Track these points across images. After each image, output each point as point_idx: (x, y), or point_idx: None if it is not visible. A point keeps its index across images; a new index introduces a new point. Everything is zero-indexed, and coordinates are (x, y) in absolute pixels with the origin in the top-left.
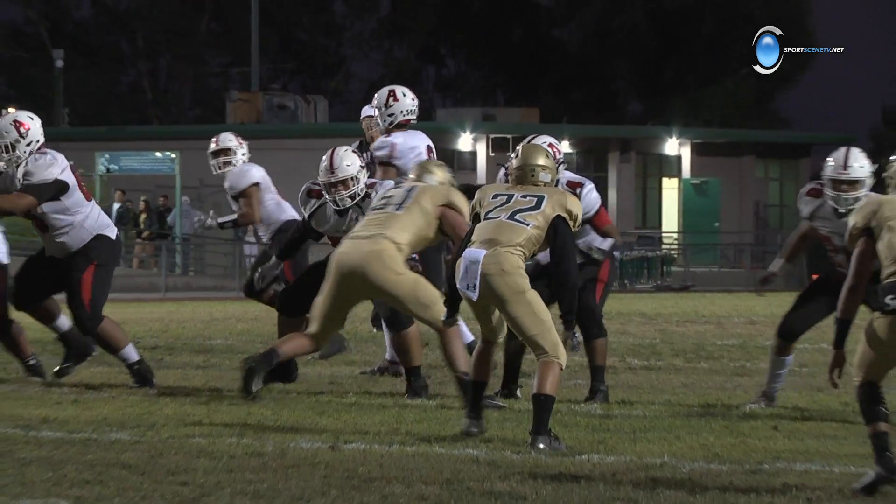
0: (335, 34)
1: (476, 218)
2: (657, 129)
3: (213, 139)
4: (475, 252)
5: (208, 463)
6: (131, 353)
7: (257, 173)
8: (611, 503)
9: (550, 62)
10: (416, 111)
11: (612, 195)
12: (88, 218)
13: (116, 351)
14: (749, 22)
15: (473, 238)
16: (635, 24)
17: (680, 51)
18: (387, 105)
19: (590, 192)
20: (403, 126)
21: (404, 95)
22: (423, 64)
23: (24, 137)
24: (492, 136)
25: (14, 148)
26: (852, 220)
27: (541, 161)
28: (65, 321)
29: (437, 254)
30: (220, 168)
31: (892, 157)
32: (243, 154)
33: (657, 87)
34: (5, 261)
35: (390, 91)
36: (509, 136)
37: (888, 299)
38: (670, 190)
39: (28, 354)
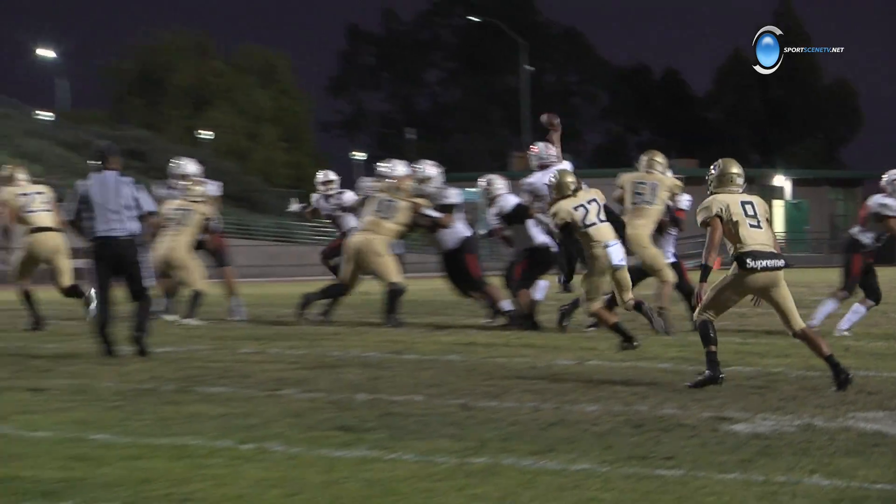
0: (574, 115)
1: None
2: (769, 170)
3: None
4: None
5: None
6: None
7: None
8: None
9: (702, 130)
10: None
11: None
12: None
13: None
14: (817, 102)
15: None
16: (755, 108)
17: (781, 122)
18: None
19: None
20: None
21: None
22: (628, 133)
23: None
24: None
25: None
26: None
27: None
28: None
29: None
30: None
31: None
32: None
33: (768, 145)
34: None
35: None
36: (682, 175)
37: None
38: (778, 207)
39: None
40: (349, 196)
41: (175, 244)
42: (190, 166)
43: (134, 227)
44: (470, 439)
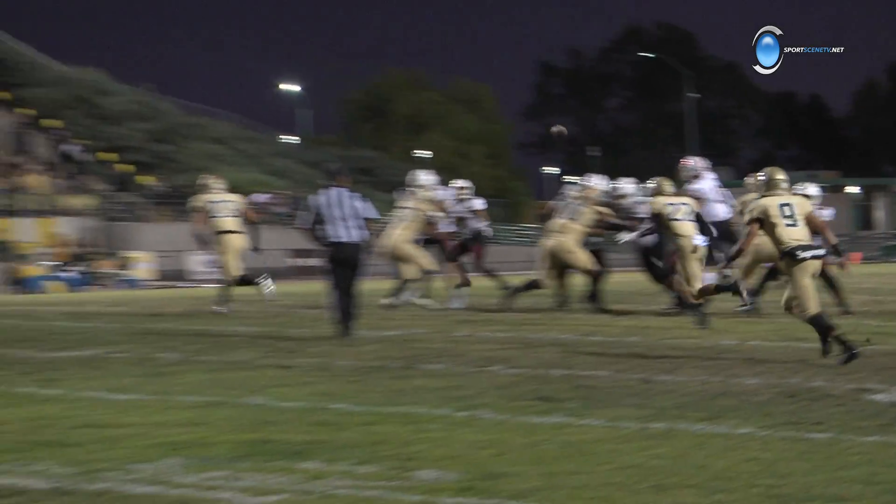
0: (731, 134)
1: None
2: None
3: None
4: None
5: None
6: None
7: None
8: None
9: (842, 146)
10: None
11: (881, 213)
12: None
13: None
14: None
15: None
16: (889, 127)
17: None
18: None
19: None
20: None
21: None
22: (778, 149)
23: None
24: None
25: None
26: None
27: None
28: None
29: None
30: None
31: None
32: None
33: None
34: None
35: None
36: (826, 184)
37: None
38: None
39: None
40: (478, 202)
41: (399, 238)
42: (428, 177)
43: (360, 233)
44: (649, 408)
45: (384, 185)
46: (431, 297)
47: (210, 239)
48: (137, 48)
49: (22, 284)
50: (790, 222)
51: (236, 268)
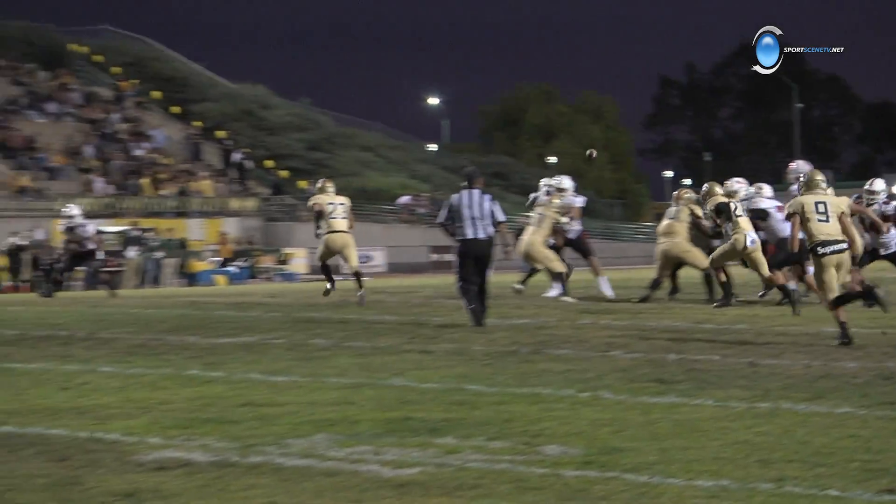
0: (834, 140)
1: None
2: None
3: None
4: None
5: None
6: None
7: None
8: None
9: None
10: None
11: None
12: None
13: None
14: None
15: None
16: None
17: None
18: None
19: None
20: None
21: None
22: (876, 153)
23: None
24: None
25: None
26: None
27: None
28: None
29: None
30: None
31: None
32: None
33: None
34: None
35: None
36: None
37: None
38: None
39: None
40: (578, 200)
41: (532, 240)
42: (566, 182)
43: (491, 231)
44: (756, 389)
45: (516, 188)
46: (569, 294)
47: (321, 235)
48: (296, 66)
49: (192, 278)
50: (822, 218)
51: (354, 258)
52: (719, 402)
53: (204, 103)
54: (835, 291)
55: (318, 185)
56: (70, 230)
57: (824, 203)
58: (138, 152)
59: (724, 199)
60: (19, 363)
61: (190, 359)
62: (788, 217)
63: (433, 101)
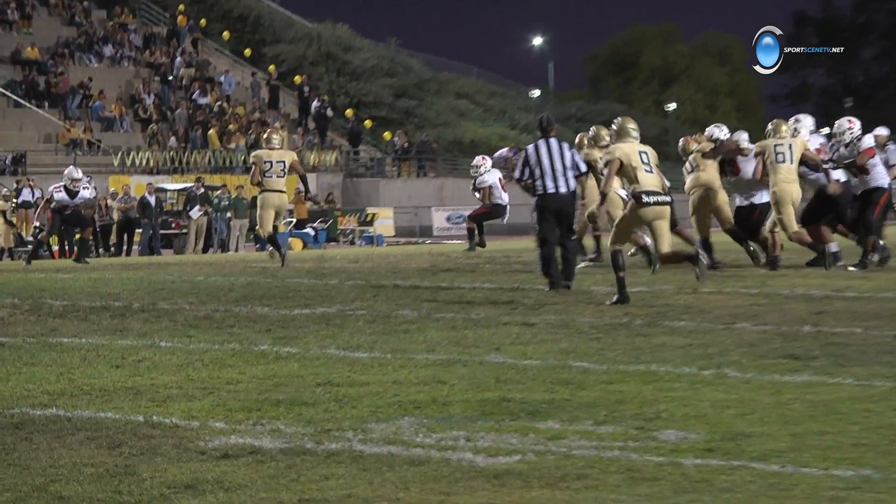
0: None
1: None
2: None
3: None
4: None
5: None
6: None
7: None
8: None
9: None
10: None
11: None
12: None
13: None
14: None
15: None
16: None
17: None
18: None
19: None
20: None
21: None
22: None
23: None
24: None
25: None
26: None
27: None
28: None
29: None
30: None
31: None
32: None
33: None
34: None
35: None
36: None
37: None
38: None
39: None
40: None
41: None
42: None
43: (573, 184)
44: None
45: None
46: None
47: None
48: (382, 3)
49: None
50: (647, 168)
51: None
52: (861, 380)
53: (279, 45)
54: (623, 242)
55: (264, 136)
56: (69, 193)
57: (646, 153)
58: (204, 100)
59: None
60: (68, 338)
61: (260, 333)
62: (606, 164)
63: (537, 41)
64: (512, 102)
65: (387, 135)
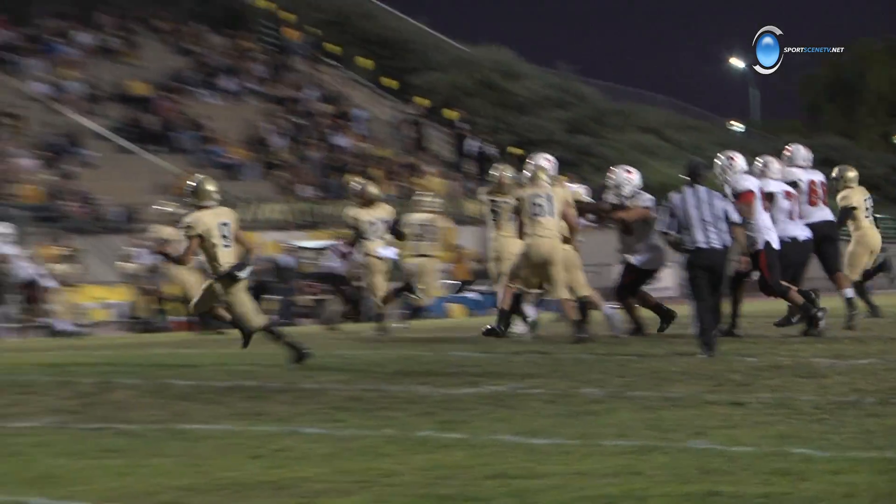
0: None
1: None
2: None
3: None
4: None
5: None
6: None
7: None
8: None
9: None
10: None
11: None
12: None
13: None
14: None
15: None
16: None
17: None
18: None
19: None
20: None
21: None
22: None
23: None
24: None
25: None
26: None
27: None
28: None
29: None
30: None
31: None
32: None
33: None
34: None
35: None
36: None
37: None
38: None
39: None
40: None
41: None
42: None
43: (727, 239)
44: None
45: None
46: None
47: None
48: (550, 23)
49: (417, 308)
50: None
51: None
52: None
53: (429, 73)
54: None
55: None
56: None
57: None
58: (342, 141)
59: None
60: (197, 424)
61: (420, 416)
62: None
63: (737, 64)
64: (707, 137)
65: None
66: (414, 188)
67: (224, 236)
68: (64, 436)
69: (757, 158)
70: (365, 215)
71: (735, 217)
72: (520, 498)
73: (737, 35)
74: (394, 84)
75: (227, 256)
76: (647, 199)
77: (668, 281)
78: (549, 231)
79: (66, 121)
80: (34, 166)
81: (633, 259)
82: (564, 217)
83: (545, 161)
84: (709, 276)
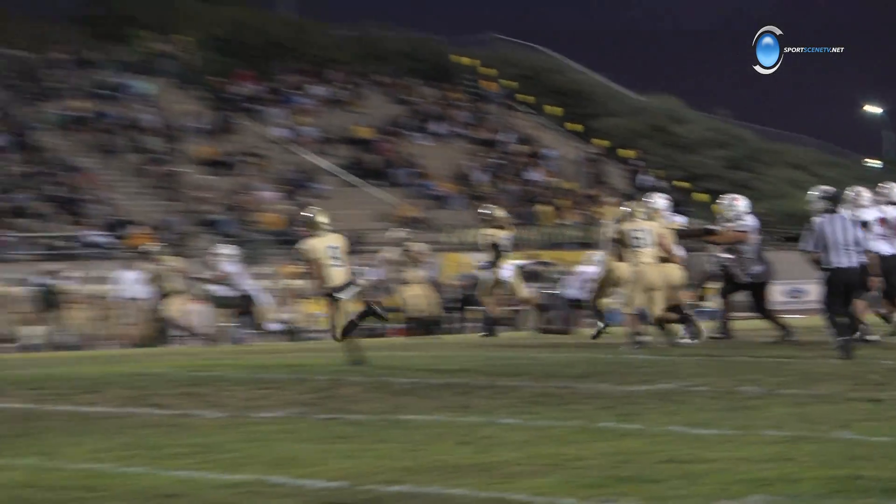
0: None
1: None
2: None
3: None
4: None
5: None
6: None
7: None
8: None
9: None
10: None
11: None
12: None
13: None
14: None
15: None
16: None
17: None
18: None
19: None
20: None
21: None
22: None
23: None
24: None
25: None
26: None
27: None
28: None
29: None
30: None
31: None
32: None
33: None
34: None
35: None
36: None
37: None
38: None
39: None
40: None
41: None
42: None
43: (862, 259)
44: None
45: None
46: None
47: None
48: (710, 74)
49: (601, 316)
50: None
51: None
52: None
53: (608, 119)
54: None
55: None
56: None
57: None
58: (534, 176)
59: None
60: (413, 415)
61: (602, 409)
62: None
63: (873, 110)
64: (847, 173)
65: (716, 207)
66: (594, 216)
67: (334, 258)
68: (301, 424)
69: (848, 189)
70: (499, 235)
71: (866, 243)
72: (688, 479)
73: (871, 84)
74: (578, 128)
75: (338, 275)
76: (747, 223)
77: (812, 295)
78: (648, 259)
79: (302, 160)
80: (275, 198)
81: (747, 274)
82: (661, 245)
83: (661, 200)
84: (845, 291)
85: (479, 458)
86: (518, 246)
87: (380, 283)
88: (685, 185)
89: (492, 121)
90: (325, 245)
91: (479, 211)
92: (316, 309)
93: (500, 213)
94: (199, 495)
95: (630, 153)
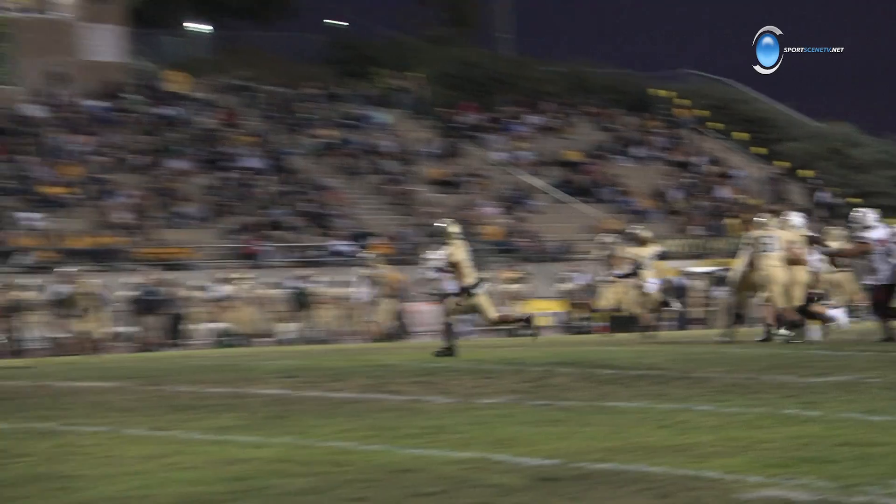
0: None
1: None
2: None
3: None
4: None
5: None
6: None
7: None
8: None
9: None
10: None
11: None
12: None
13: None
14: None
15: None
16: None
17: None
18: None
19: None
20: None
21: None
22: None
23: None
24: None
25: None
26: None
27: None
28: None
29: None
30: None
31: None
32: None
33: None
34: None
35: None
36: None
37: None
38: None
39: None
40: None
41: None
42: None
43: None
44: None
45: None
46: None
47: None
48: (887, 101)
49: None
50: None
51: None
52: None
53: (789, 143)
54: None
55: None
56: None
57: None
58: (723, 193)
59: None
60: (617, 402)
61: (786, 398)
62: None
63: None
64: None
65: (893, 221)
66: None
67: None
68: (518, 410)
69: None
70: (643, 254)
71: None
72: (864, 461)
73: None
74: (762, 151)
75: (474, 275)
76: (872, 235)
77: None
78: (774, 262)
79: (519, 180)
80: (495, 213)
81: (875, 279)
82: (789, 251)
83: (797, 217)
84: None
85: (675, 439)
86: (702, 255)
87: (587, 287)
88: (858, 201)
89: (685, 145)
90: (463, 251)
91: (627, 231)
92: (531, 309)
93: (645, 233)
94: (431, 470)
95: (809, 173)
